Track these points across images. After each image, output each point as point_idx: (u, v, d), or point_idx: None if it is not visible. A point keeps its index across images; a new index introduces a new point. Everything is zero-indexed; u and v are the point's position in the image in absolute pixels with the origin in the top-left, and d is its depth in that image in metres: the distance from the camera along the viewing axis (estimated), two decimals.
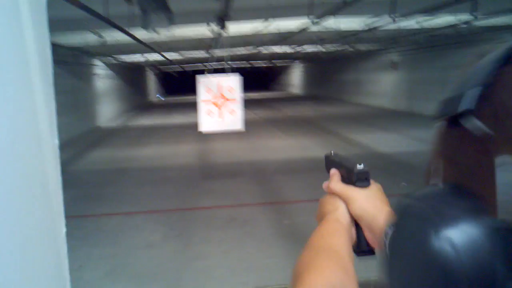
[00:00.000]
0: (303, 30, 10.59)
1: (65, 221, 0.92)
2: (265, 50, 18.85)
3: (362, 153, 10.86)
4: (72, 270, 0.86)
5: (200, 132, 7.33)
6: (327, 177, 1.03)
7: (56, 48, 11.29)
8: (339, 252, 0.79)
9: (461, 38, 14.15)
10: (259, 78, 50.63)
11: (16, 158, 0.66)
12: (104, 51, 14.57)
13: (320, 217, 0.97)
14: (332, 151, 1.10)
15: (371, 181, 0.95)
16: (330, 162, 1.06)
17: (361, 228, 0.91)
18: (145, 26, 5.67)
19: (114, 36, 11.58)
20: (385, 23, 9.37)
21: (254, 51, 16.57)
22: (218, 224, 6.40)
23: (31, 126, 0.73)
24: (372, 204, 0.90)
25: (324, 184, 1.02)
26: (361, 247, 0.91)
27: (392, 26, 10.92)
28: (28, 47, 0.71)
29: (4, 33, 0.62)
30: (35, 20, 0.73)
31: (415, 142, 12.19)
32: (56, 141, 0.83)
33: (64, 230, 0.87)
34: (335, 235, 0.86)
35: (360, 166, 0.94)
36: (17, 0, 0.66)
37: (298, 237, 5.86)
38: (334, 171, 1.02)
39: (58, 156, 0.83)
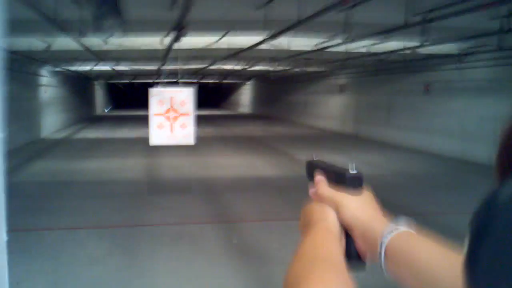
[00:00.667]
0: (255, 47, 10.65)
1: (6, 227, 0.83)
2: (216, 66, 18.86)
3: None
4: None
5: (149, 146, 7.16)
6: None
7: None
8: (337, 263, 0.70)
9: (407, 64, 14.62)
10: (209, 96, 50.62)
11: None
12: (50, 58, 14.11)
13: (305, 226, 0.87)
14: (314, 156, 1.01)
15: (364, 188, 0.87)
16: (313, 167, 0.97)
17: (351, 238, 0.83)
18: (97, 33, 5.49)
19: (62, 43, 11.25)
20: (334, 44, 9.55)
21: (205, 66, 16.54)
22: (165, 241, 6.20)
23: None
24: (365, 212, 0.83)
25: (311, 190, 0.93)
26: (351, 259, 0.82)
27: (341, 49, 11.16)
28: None
29: None
30: None
31: (362, 165, 12.35)
32: (1, 135, 0.78)
33: (5, 237, 0.80)
34: (329, 245, 0.77)
35: (352, 170, 0.87)
36: None
37: (247, 257, 5.77)
38: (320, 177, 0.93)
39: (2, 151, 0.79)
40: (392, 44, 11.40)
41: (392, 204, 8.18)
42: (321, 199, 0.89)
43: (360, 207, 0.84)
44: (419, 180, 10.79)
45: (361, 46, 11.74)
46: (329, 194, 0.88)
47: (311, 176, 0.97)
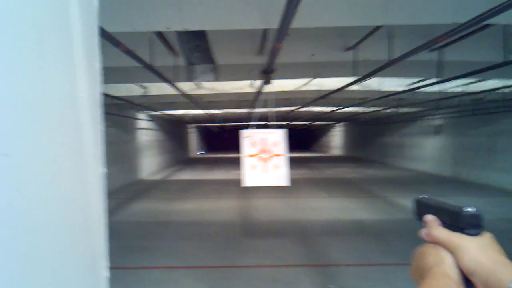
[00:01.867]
0: (345, 90, 10.57)
1: (107, 264, 0.84)
2: (306, 110, 18.91)
3: (410, 217, 10.45)
4: None
5: (241, 188, 7.21)
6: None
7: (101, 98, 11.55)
8: None
9: (508, 103, 13.77)
10: (299, 138, 50.82)
11: (60, 188, 0.66)
12: (148, 104, 14.89)
13: (419, 271, 0.78)
14: (423, 195, 0.92)
15: (483, 229, 0.77)
16: (423, 207, 0.87)
17: (472, 284, 0.73)
18: (190, 78, 5.70)
19: (158, 89, 11.86)
20: (427, 84, 9.23)
21: (295, 109, 16.66)
22: (260, 285, 6.11)
23: (77, 154, 0.72)
24: (488, 256, 0.72)
25: (423, 232, 0.82)
26: None
27: (434, 88, 10.77)
28: (78, 78, 0.72)
29: (58, 75, 0.66)
30: (88, 58, 0.75)
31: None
32: (103, 170, 0.82)
33: (106, 273, 0.81)
34: None
35: (470, 209, 0.77)
36: (71, 42, 0.69)
37: None
38: (431, 216, 0.83)
39: (103, 186, 0.82)
40: (490, 83, 10.85)
41: (508, 253, 7.48)
42: (435, 240, 0.79)
43: (482, 250, 0.73)
44: None
45: (456, 85, 11.29)
46: (445, 235, 0.78)
47: (419, 216, 0.88)
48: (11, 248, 0.53)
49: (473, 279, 0.72)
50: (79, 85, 0.72)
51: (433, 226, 0.81)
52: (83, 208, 0.75)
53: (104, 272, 0.81)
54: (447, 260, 0.75)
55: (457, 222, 0.77)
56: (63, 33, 0.67)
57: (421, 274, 0.77)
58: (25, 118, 0.57)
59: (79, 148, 0.73)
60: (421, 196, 0.91)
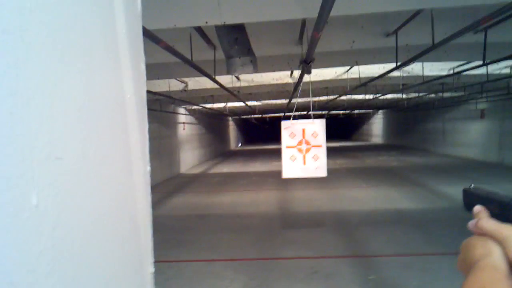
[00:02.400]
0: (386, 77, 10.37)
1: (152, 259, 0.86)
2: (346, 98, 18.72)
3: (454, 206, 10.22)
4: None
5: (280, 180, 7.20)
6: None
7: None
8: None
9: None
10: (339, 127, 50.49)
11: (110, 188, 0.68)
12: (188, 98, 15.04)
13: (466, 264, 0.75)
14: (471, 185, 0.88)
15: None
16: (472, 197, 0.84)
17: None
18: (229, 71, 5.71)
19: (198, 83, 11.96)
20: (472, 67, 8.96)
21: (335, 97, 16.51)
22: (300, 276, 6.12)
23: (125, 154, 0.74)
24: None
25: (471, 223, 0.79)
26: None
27: (479, 71, 10.46)
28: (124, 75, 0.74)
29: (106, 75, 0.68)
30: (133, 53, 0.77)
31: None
32: (148, 168, 0.84)
33: (151, 269, 0.83)
34: (499, 286, 0.65)
35: None
36: (118, 45, 0.71)
37: None
38: (480, 207, 0.80)
39: (148, 184, 0.85)
40: None
41: None
42: (483, 232, 0.76)
43: None
44: None
45: (503, 66, 10.94)
46: (494, 226, 0.75)
47: (468, 206, 0.84)
48: (64, 249, 0.54)
49: None
50: (125, 86, 0.74)
51: (482, 217, 0.78)
52: (130, 207, 0.77)
53: (150, 268, 0.84)
54: (496, 252, 0.72)
55: (507, 212, 0.73)
56: (110, 36, 0.70)
57: (468, 266, 0.75)
58: (76, 122, 0.59)
59: (127, 149, 0.75)
60: (470, 186, 0.88)
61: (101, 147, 0.65)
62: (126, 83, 0.74)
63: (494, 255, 0.72)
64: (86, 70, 0.61)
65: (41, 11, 0.51)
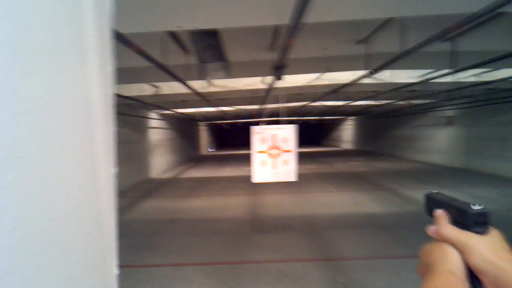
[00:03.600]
0: (357, 84, 10.50)
1: (117, 262, 0.86)
2: (317, 104, 18.87)
3: (420, 210, 10.40)
4: None
5: (250, 184, 7.21)
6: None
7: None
8: None
9: None
10: (310, 133, 50.80)
11: (72, 189, 0.68)
12: (159, 103, 14.95)
13: (424, 268, 0.78)
14: (434, 190, 0.91)
15: (490, 227, 0.76)
16: (433, 202, 0.86)
17: (479, 283, 0.72)
18: (202, 76, 5.71)
19: (169, 87, 11.90)
20: (440, 75, 9.16)
21: (306, 105, 16.63)
22: (268, 279, 6.14)
23: (89, 156, 0.74)
24: (497, 255, 0.72)
25: (430, 229, 0.82)
26: None
27: (447, 79, 10.70)
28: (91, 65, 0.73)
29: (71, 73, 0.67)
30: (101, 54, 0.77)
31: (475, 200, 11.58)
32: (113, 170, 0.83)
33: (116, 271, 0.83)
34: None
35: (477, 207, 0.76)
36: (85, 46, 0.71)
37: None
38: (441, 213, 0.83)
39: (114, 186, 0.84)
40: (504, 72, 10.77)
41: None
42: (443, 238, 0.79)
43: (491, 249, 0.73)
44: None
45: (469, 75, 11.21)
46: (453, 233, 0.78)
47: (430, 211, 0.87)
48: (24, 248, 0.54)
49: (482, 278, 0.72)
50: (92, 88, 0.73)
51: (442, 223, 0.81)
52: (94, 208, 0.77)
53: (113, 270, 0.83)
54: (453, 257, 0.75)
55: (464, 219, 0.76)
56: (77, 37, 0.70)
57: (426, 271, 0.77)
58: (39, 122, 0.59)
59: (91, 150, 0.74)
60: (431, 191, 0.91)
61: (64, 147, 0.65)
62: (93, 84, 0.73)
63: (451, 260, 0.75)
64: (51, 70, 0.61)
65: (4, 9, 0.51)
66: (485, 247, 0.73)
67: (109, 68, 0.80)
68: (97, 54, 0.74)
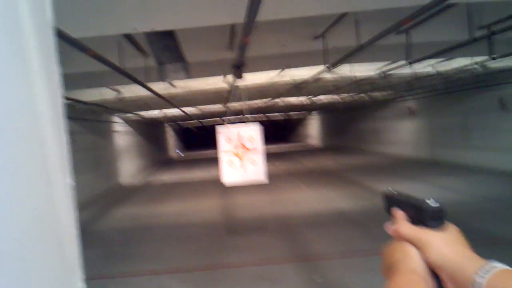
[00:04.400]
0: (318, 79, 10.61)
1: (82, 276, 0.84)
2: (281, 101, 18.96)
3: None
4: None
5: (221, 186, 7.21)
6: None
7: (75, 105, 11.45)
8: None
9: (478, 79, 13.93)
10: (276, 131, 50.90)
11: (24, 204, 0.64)
12: (122, 107, 14.77)
13: (387, 268, 0.79)
14: (391, 188, 0.93)
15: (446, 222, 0.78)
16: (390, 201, 0.88)
17: (439, 280, 0.74)
18: (162, 78, 5.68)
19: (131, 91, 11.79)
20: (398, 66, 9.34)
21: (270, 103, 16.69)
22: (246, 284, 6.11)
23: (41, 168, 0.70)
24: (453, 250, 0.73)
25: (389, 228, 0.84)
26: None
27: (405, 70, 10.91)
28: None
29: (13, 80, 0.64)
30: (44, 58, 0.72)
31: (442, 191, 11.86)
32: (69, 180, 0.81)
33: (81, 285, 0.80)
34: None
35: (432, 202, 0.77)
36: (27, 47, 0.66)
37: None
38: (398, 212, 0.84)
39: (72, 197, 0.82)
40: (459, 61, 11.04)
41: (479, 233, 7.64)
42: (402, 237, 0.80)
43: (447, 244, 0.75)
44: (505, 204, 9.88)
45: (426, 65, 11.45)
46: (411, 231, 0.79)
47: (388, 210, 0.89)
48: None
49: (441, 274, 0.74)
50: (38, 97, 0.70)
51: (399, 222, 0.83)
52: (51, 222, 0.73)
53: (79, 284, 0.81)
54: (414, 256, 0.77)
55: (420, 215, 0.78)
56: (16, 45, 0.65)
57: (389, 271, 0.78)
58: None
59: (43, 163, 0.71)
60: (388, 189, 0.92)
61: (11, 161, 0.63)
62: (38, 94, 0.70)
63: (412, 259, 0.76)
64: None
65: None
66: (441, 242, 0.75)
67: (56, 75, 0.77)
68: (40, 61, 0.71)
